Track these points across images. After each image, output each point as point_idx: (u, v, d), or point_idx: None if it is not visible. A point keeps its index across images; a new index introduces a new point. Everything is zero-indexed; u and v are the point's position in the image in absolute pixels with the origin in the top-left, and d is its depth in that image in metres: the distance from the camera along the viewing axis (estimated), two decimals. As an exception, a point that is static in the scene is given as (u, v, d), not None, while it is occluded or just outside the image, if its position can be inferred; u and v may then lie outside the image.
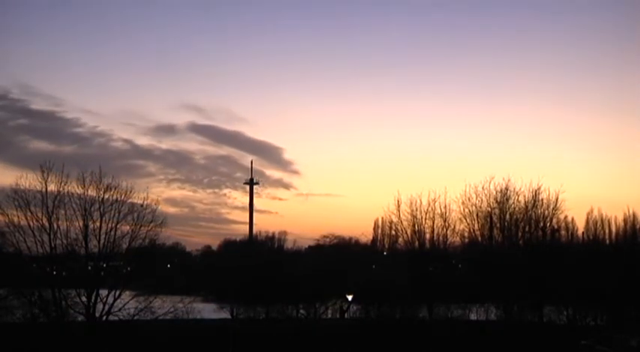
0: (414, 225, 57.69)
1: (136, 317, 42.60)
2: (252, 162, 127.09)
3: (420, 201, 57.17)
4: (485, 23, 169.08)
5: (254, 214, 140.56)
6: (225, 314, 59.63)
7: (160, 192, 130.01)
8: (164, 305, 44.40)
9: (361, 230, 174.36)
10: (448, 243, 59.34)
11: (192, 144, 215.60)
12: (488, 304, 56.33)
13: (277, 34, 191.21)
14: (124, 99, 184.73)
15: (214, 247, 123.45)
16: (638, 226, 72.79)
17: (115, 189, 43.44)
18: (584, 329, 51.25)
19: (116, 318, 42.64)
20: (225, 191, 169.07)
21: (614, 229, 73.70)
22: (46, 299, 42.14)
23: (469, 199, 56.93)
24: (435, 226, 57.69)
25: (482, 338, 47.80)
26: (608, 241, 70.56)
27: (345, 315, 56.97)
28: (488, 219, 57.38)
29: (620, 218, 72.76)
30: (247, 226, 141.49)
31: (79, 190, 43.04)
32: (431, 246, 58.31)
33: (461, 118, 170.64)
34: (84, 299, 42.22)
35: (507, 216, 57.06)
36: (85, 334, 41.42)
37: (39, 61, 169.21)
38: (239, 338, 46.61)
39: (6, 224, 42.12)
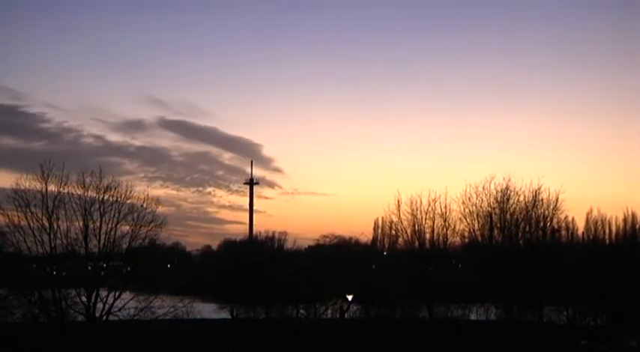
0: (414, 225, 57.67)
1: (136, 317, 42.61)
2: (252, 163, 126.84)
3: (420, 201, 57.18)
4: (485, 23, 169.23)
5: (243, 213, 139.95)
6: (225, 314, 59.63)
7: (143, 191, 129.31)
8: (164, 305, 44.44)
9: (353, 228, 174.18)
10: (448, 243, 59.30)
11: (165, 141, 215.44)
12: (488, 304, 56.33)
13: (245, 22, 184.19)
14: (87, 94, 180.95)
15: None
16: (637, 226, 72.77)
17: (115, 189, 43.50)
18: (584, 329, 51.27)
19: (116, 318, 42.64)
20: (210, 189, 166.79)
21: (614, 229, 73.69)
22: (46, 299, 42.13)
23: (469, 199, 56.95)
24: (435, 226, 57.68)
25: (482, 338, 47.79)
26: (608, 241, 70.50)
27: (345, 315, 56.93)
28: (489, 219, 57.35)
29: (620, 218, 72.77)
30: (238, 225, 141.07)
31: (79, 190, 43.08)
32: (431, 246, 58.25)
33: (461, 118, 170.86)
34: (84, 299, 42.22)
35: (507, 216, 57.02)
36: (85, 334, 41.39)
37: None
38: (239, 338, 46.62)
39: (6, 224, 42.17)
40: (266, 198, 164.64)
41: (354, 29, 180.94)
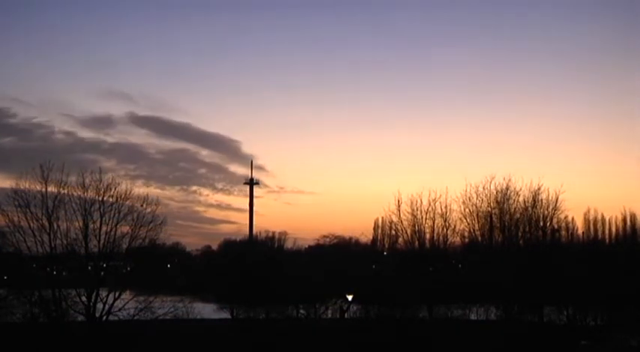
0: (414, 225, 57.62)
1: (136, 317, 42.59)
2: (251, 162, 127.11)
3: (421, 200, 57.13)
4: (485, 24, 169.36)
5: (232, 213, 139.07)
6: (225, 314, 59.66)
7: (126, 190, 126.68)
8: (164, 305, 44.44)
9: (345, 227, 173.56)
10: (448, 243, 59.29)
11: (138, 137, 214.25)
12: (488, 304, 56.32)
13: (218, 15, 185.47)
14: (52, 89, 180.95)
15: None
16: (637, 226, 72.88)
17: (115, 189, 43.49)
18: (584, 329, 51.27)
19: (116, 318, 42.62)
20: (194, 188, 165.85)
21: (613, 229, 73.85)
22: (46, 299, 42.07)
23: (469, 199, 56.92)
24: (435, 226, 57.64)
25: (482, 338, 47.76)
26: (607, 241, 70.64)
27: (345, 315, 56.94)
28: (489, 219, 57.33)
29: (619, 218, 72.91)
30: (230, 225, 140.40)
31: (79, 190, 43.05)
32: (431, 246, 58.23)
33: (461, 118, 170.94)
34: (84, 299, 42.18)
35: (507, 216, 56.99)
36: (85, 334, 41.38)
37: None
38: (239, 338, 46.63)
39: (6, 224, 42.15)
40: (254, 197, 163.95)
41: (347, 23, 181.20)
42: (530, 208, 56.72)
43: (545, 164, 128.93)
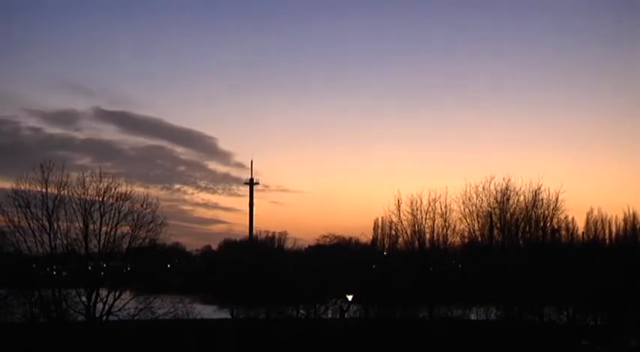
0: (414, 225, 57.62)
1: (136, 317, 42.60)
2: (252, 162, 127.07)
3: (421, 200, 57.14)
4: (485, 23, 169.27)
5: (220, 212, 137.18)
6: (225, 314, 59.65)
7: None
8: (164, 305, 44.45)
9: (336, 225, 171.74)
10: (448, 243, 59.30)
11: (107, 133, 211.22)
12: (488, 304, 56.33)
13: (184, 6, 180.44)
14: (12, 83, 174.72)
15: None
16: (638, 226, 72.72)
17: (115, 189, 43.50)
18: (584, 329, 51.30)
19: (116, 318, 42.62)
20: (177, 186, 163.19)
21: (614, 229, 73.66)
22: (46, 299, 42.08)
23: (469, 199, 56.95)
24: (435, 226, 57.63)
25: (482, 338, 47.78)
26: (608, 241, 70.47)
27: (345, 315, 56.94)
28: (489, 219, 57.36)
29: (620, 218, 72.74)
30: (221, 225, 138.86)
31: (79, 190, 43.06)
32: (431, 246, 58.23)
33: (461, 118, 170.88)
34: (84, 299, 42.18)
35: (507, 216, 57.01)
36: (85, 334, 41.38)
37: None
38: (239, 338, 46.62)
39: (6, 224, 42.16)
40: (238, 195, 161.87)
41: (341, 18, 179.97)
42: (530, 208, 56.74)
43: (545, 164, 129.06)
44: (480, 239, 58.43)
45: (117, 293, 42.71)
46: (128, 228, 43.72)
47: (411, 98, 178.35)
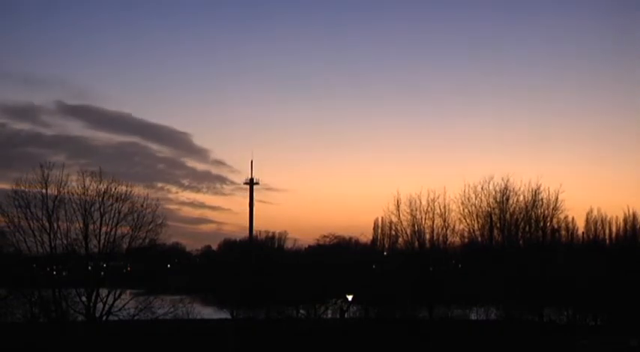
0: (413, 225, 57.70)
1: (136, 317, 42.62)
2: (252, 162, 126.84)
3: (420, 201, 57.23)
4: (485, 23, 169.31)
5: (207, 211, 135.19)
6: (225, 314, 59.66)
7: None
8: (164, 305, 44.48)
9: (334, 224, 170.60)
10: (448, 243, 59.38)
11: (78, 129, 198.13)
12: (488, 304, 56.34)
13: None
14: None
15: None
16: (638, 226, 72.73)
17: (116, 189, 43.51)
18: (584, 329, 51.29)
19: (116, 318, 42.65)
20: (160, 185, 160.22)
21: (614, 229, 73.68)
22: (46, 299, 42.09)
23: (469, 199, 57.11)
24: (434, 226, 57.73)
25: (482, 338, 47.79)
26: (608, 241, 70.52)
27: (345, 315, 56.95)
28: (488, 219, 57.45)
29: (620, 218, 72.78)
30: (211, 224, 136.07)
31: (79, 190, 43.06)
32: (431, 246, 58.28)
33: (460, 118, 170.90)
34: (84, 299, 42.19)
35: (507, 216, 57.13)
36: (85, 334, 41.40)
37: None
38: (239, 338, 46.61)
39: (6, 224, 42.17)
40: (223, 194, 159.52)
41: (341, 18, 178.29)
42: (529, 208, 56.83)
43: (545, 164, 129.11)
44: (479, 239, 58.53)
45: (117, 293, 42.70)
46: (128, 228, 43.77)
47: (411, 98, 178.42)
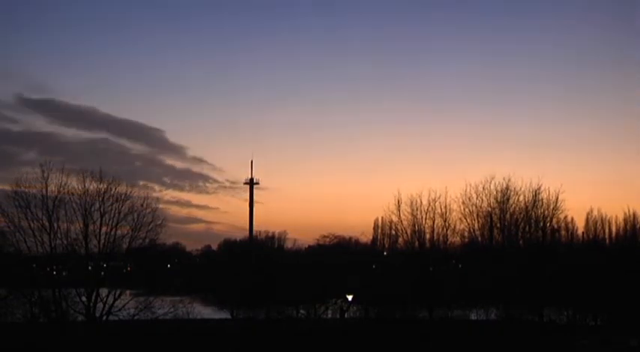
0: (414, 225, 57.64)
1: (136, 317, 42.62)
2: (252, 162, 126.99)
3: (420, 200, 57.18)
4: (486, 23, 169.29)
5: (195, 210, 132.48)
6: (225, 314, 59.65)
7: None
8: (164, 305, 44.48)
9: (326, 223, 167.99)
10: (448, 242, 59.34)
11: (40, 125, 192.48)
12: (488, 304, 56.32)
13: None
14: None
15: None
16: (638, 226, 72.73)
17: (116, 189, 43.51)
18: (584, 329, 51.28)
19: (116, 318, 42.65)
20: (142, 183, 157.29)
21: (614, 229, 73.69)
22: (46, 299, 42.09)
23: (469, 199, 57.06)
24: (435, 226, 57.68)
25: (482, 338, 47.79)
26: (608, 241, 70.53)
27: (345, 315, 56.96)
28: (489, 219, 57.42)
29: (620, 218, 72.80)
30: (201, 224, 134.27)
31: (79, 190, 43.06)
32: (431, 246, 58.25)
33: (461, 118, 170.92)
34: (84, 299, 42.20)
35: (507, 216, 57.10)
36: (85, 334, 41.39)
37: None
38: (239, 338, 46.60)
39: (6, 224, 42.17)
40: (208, 193, 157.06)
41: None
42: (530, 208, 56.79)
43: (545, 164, 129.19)
44: (479, 239, 58.49)
45: (117, 293, 42.72)
46: (128, 228, 43.77)
47: (411, 98, 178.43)
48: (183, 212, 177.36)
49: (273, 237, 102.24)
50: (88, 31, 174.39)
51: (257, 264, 66.86)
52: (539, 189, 56.49)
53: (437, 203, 57.08)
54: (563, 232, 62.92)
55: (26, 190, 41.90)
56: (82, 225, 42.61)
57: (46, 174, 41.99)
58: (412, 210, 57.28)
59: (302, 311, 57.01)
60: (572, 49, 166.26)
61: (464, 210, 57.08)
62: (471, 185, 57.07)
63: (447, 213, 57.52)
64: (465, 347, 45.47)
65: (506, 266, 52.88)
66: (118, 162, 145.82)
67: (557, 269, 52.62)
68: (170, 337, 43.24)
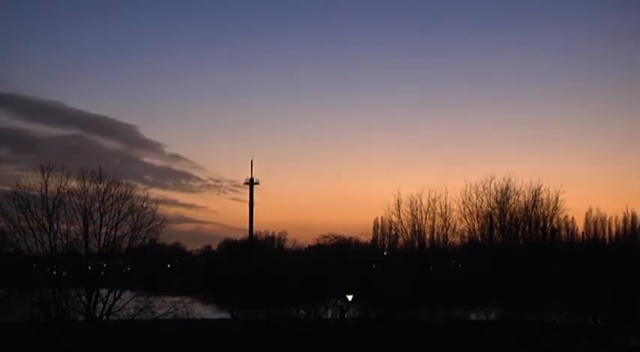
0: (414, 225, 57.67)
1: (136, 317, 42.62)
2: (252, 162, 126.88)
3: (420, 200, 57.20)
4: (486, 23, 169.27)
5: (182, 209, 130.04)
6: (225, 314, 59.66)
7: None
8: (164, 305, 44.48)
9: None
10: (448, 242, 59.36)
11: (6, 120, 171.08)
12: (488, 304, 56.32)
13: None
14: None
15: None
16: (638, 226, 72.86)
17: (116, 188, 43.51)
18: (584, 329, 51.27)
19: (116, 318, 42.65)
20: (125, 181, 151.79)
21: (613, 229, 73.84)
22: (46, 299, 42.11)
23: (469, 199, 57.00)
24: (435, 226, 57.75)
25: (482, 338, 47.78)
26: (607, 241, 70.63)
27: (345, 315, 56.96)
28: (489, 219, 57.38)
29: (620, 218, 72.92)
30: (191, 224, 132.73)
31: (79, 190, 43.06)
32: (431, 246, 58.26)
33: (461, 118, 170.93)
34: (84, 299, 42.21)
35: (507, 216, 57.05)
36: (85, 334, 41.40)
37: None
38: (239, 338, 46.59)
39: (6, 224, 42.17)
40: (193, 192, 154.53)
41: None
42: (530, 208, 56.76)
43: (545, 164, 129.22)
44: (479, 239, 58.46)
45: (117, 293, 42.73)
46: (128, 228, 43.78)
47: (411, 98, 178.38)
48: (171, 211, 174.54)
49: (273, 237, 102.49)
50: (51, 22, 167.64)
51: (257, 264, 66.89)
52: (539, 189, 56.51)
53: (437, 203, 57.21)
54: (563, 232, 62.95)
55: (26, 190, 41.93)
56: (82, 225, 42.64)
57: (45, 174, 42.07)
58: (412, 210, 57.40)
59: (302, 311, 57.02)
60: (573, 49, 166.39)
61: (464, 210, 57.14)
62: (471, 185, 57.11)
63: (447, 213, 57.66)
64: (465, 347, 45.47)
65: (506, 266, 52.84)
66: (94, 160, 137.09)
67: (557, 270, 52.60)
68: (170, 337, 43.24)
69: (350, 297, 52.29)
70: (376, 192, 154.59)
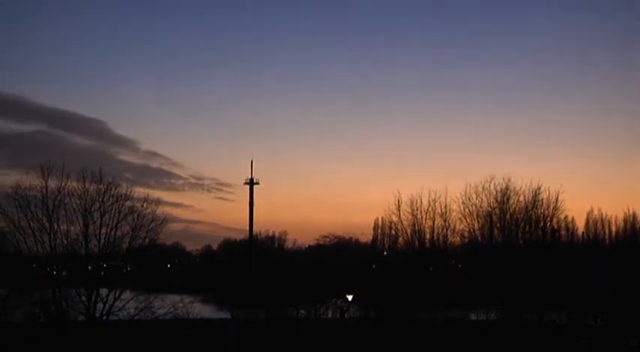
0: (414, 225, 57.64)
1: (136, 317, 42.64)
2: (252, 162, 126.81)
3: (421, 200, 57.16)
4: (487, 23, 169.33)
5: (169, 208, 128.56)
6: (225, 314, 59.67)
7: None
8: (164, 305, 44.48)
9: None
10: (448, 242, 59.34)
11: None
12: (488, 304, 56.30)
13: None
14: None
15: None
16: (638, 226, 72.82)
17: (116, 188, 43.54)
18: (584, 329, 51.26)
19: (116, 318, 42.66)
20: (105, 179, 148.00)
21: (614, 229, 73.80)
22: (46, 299, 42.15)
23: (469, 199, 56.99)
24: (435, 226, 57.70)
25: (482, 338, 47.77)
26: (608, 241, 70.60)
27: (345, 315, 56.96)
28: (489, 219, 57.38)
29: (620, 218, 72.88)
30: (179, 224, 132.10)
31: (80, 190, 43.07)
32: (431, 246, 58.24)
33: (461, 118, 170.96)
34: (84, 299, 42.23)
35: (507, 216, 57.05)
36: (85, 334, 41.41)
37: None
38: (239, 338, 46.60)
39: (6, 224, 42.20)
40: (177, 190, 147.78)
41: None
42: (530, 208, 56.77)
43: (545, 164, 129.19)
44: (480, 239, 58.46)
45: (117, 293, 42.74)
46: (128, 228, 43.79)
47: (411, 97, 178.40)
48: (158, 211, 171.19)
49: (273, 237, 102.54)
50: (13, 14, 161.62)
51: (257, 264, 66.91)
52: (539, 189, 56.52)
53: (437, 203, 57.13)
54: (563, 232, 62.96)
55: (26, 190, 41.95)
56: (82, 225, 42.67)
57: (45, 174, 42.07)
58: (412, 210, 57.34)
59: (302, 311, 57.02)
60: (573, 49, 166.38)
61: (464, 210, 57.12)
62: (470, 185, 57.10)
63: (447, 213, 57.61)
64: (465, 347, 45.47)
65: (506, 266, 52.83)
66: (67, 158, 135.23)
67: (557, 269, 52.59)
68: (170, 337, 43.25)
69: (350, 297, 52.26)
70: (376, 192, 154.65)
